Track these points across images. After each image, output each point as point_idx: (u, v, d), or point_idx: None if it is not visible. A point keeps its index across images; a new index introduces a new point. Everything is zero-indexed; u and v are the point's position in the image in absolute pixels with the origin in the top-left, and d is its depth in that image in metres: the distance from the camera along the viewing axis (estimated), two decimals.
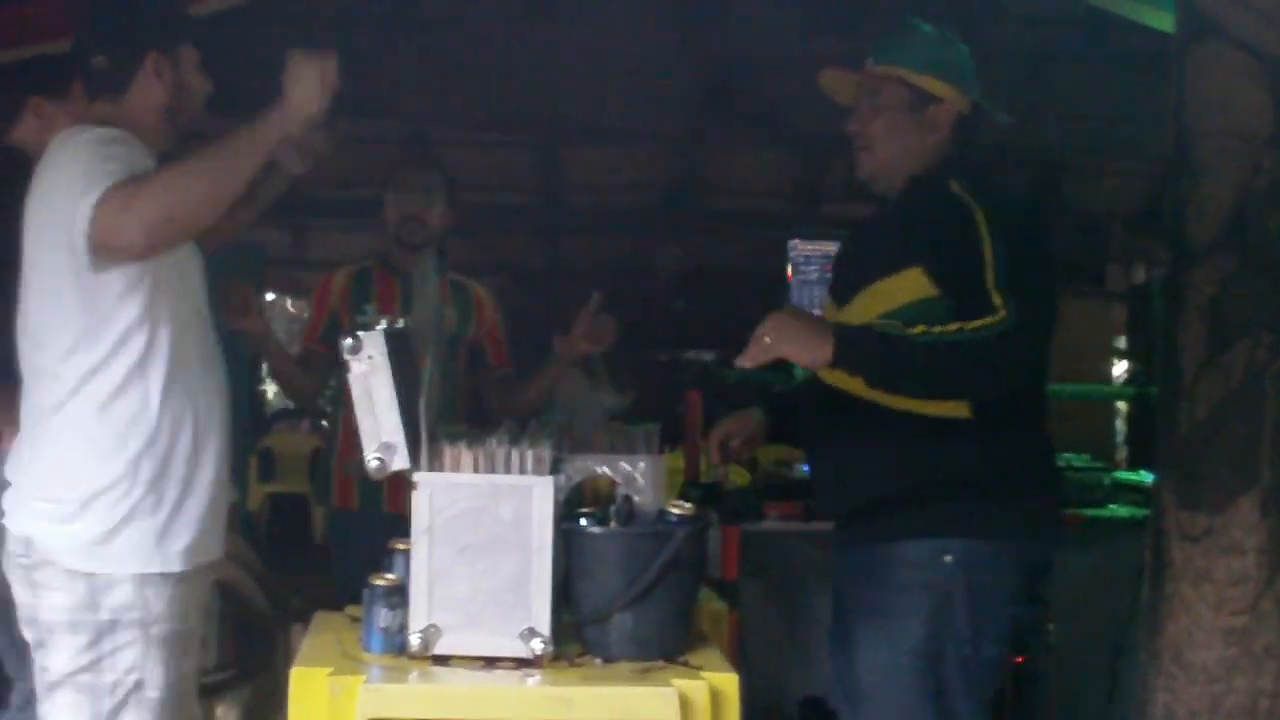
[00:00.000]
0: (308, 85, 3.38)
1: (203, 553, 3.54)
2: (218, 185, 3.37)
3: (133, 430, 3.41)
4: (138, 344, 3.40)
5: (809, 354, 3.50)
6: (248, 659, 4.83)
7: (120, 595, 3.38)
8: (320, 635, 3.71)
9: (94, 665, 3.40)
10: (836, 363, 3.50)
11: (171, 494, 3.45)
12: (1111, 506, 5.92)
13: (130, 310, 3.39)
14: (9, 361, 3.68)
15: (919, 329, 3.49)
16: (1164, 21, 4.16)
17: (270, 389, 15.30)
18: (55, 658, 3.43)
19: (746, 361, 3.52)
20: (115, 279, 3.37)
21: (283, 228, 10.94)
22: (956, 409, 3.65)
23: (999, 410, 3.65)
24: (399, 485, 4.78)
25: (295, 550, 5.61)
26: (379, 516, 5.07)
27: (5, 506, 3.55)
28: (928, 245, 3.70)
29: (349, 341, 3.36)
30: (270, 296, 11.20)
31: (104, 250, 3.31)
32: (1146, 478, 5.95)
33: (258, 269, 8.82)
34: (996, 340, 3.46)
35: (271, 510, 9.26)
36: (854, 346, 3.52)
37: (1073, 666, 4.64)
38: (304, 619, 4.14)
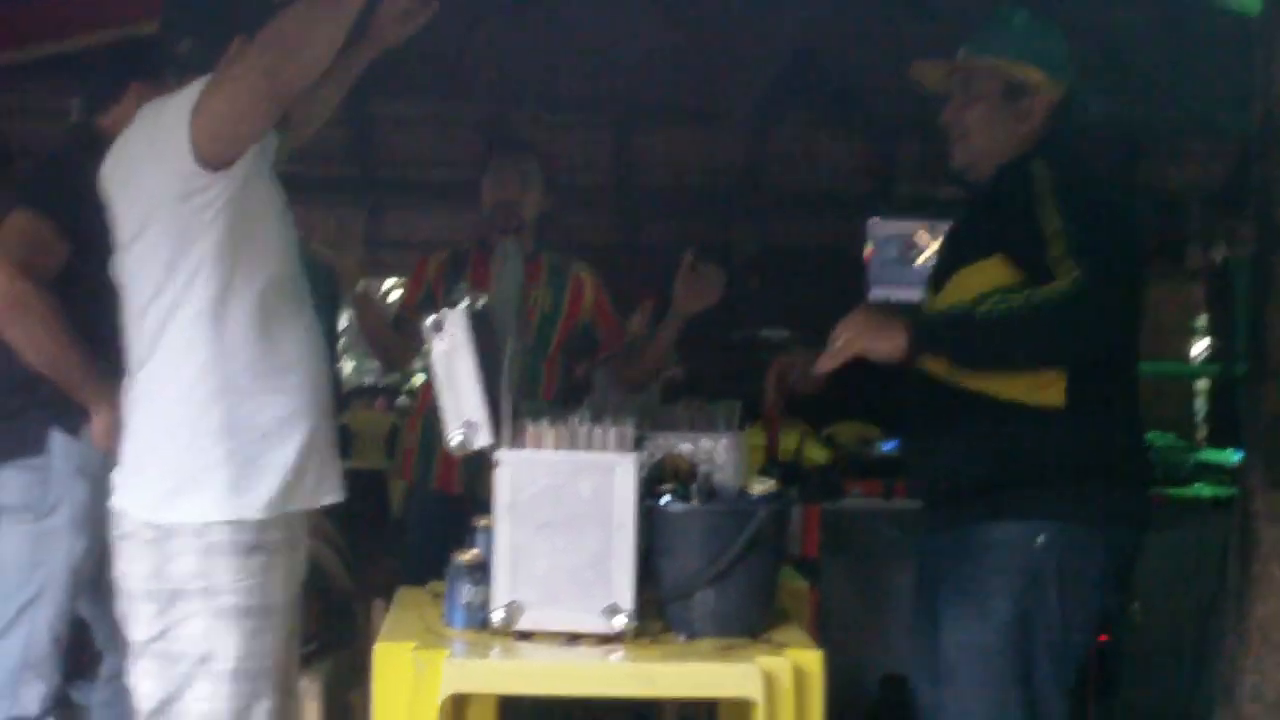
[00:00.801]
0: None
1: (287, 502, 3.51)
2: (320, 27, 3.23)
3: (202, 384, 3.41)
4: (206, 295, 3.39)
5: (885, 347, 3.54)
6: (330, 633, 4.86)
7: (184, 565, 3.39)
8: (403, 610, 3.73)
9: (164, 634, 3.43)
10: (914, 352, 3.52)
11: (248, 447, 3.44)
12: (1196, 486, 5.87)
13: (202, 266, 3.38)
14: (105, 340, 3.72)
15: (989, 302, 3.50)
16: (1250, 5, 4.09)
17: (348, 365, 15.36)
18: (135, 626, 3.48)
19: (826, 365, 3.56)
20: (194, 225, 3.36)
21: (360, 208, 10.98)
22: (1050, 398, 3.64)
23: (1093, 396, 3.64)
24: (450, 462, 4.84)
25: (373, 526, 5.63)
26: (432, 495, 5.14)
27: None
28: (1006, 230, 3.69)
29: (431, 320, 3.37)
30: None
31: (217, 133, 3.28)
32: (1231, 457, 5.91)
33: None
34: (1069, 300, 3.44)
35: (349, 487, 9.29)
36: (927, 333, 3.55)
37: (1157, 646, 4.62)
38: (385, 594, 4.16)
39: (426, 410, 5.08)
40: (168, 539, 3.40)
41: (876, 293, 8.07)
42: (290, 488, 3.51)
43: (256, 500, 3.43)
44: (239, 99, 3.26)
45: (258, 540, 3.44)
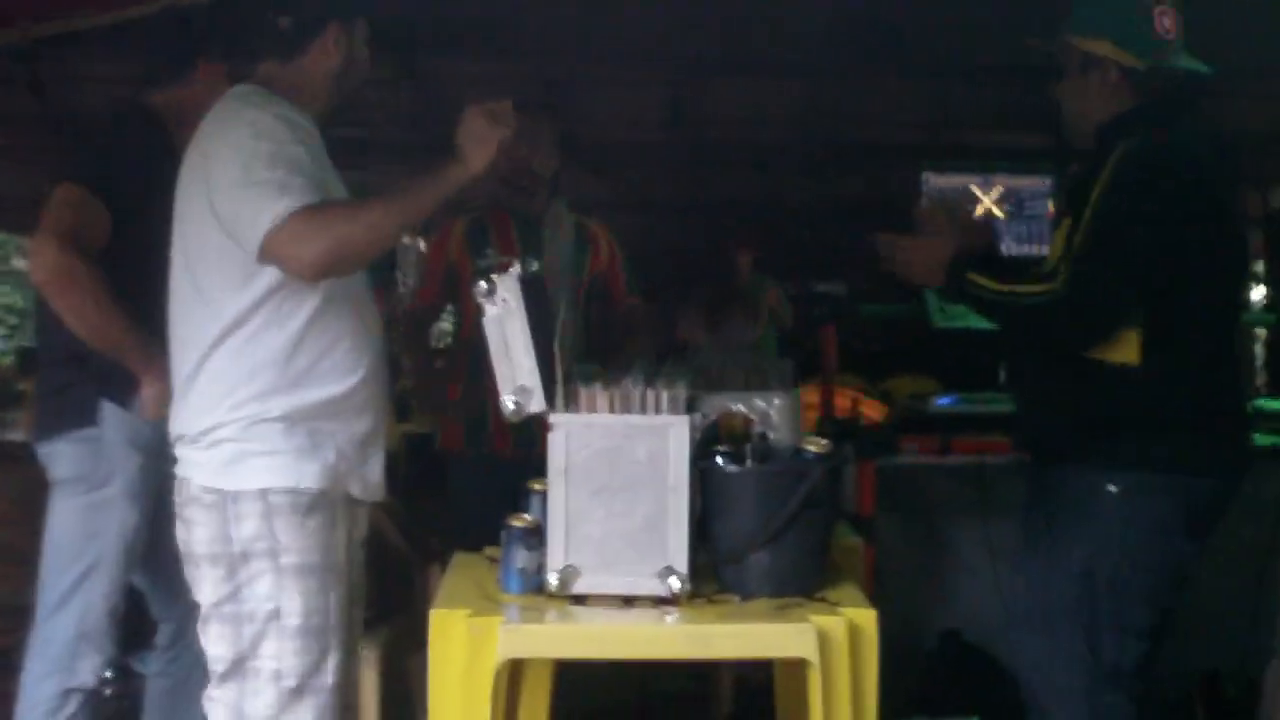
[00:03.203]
0: (483, 141, 3.51)
1: (344, 481, 3.60)
2: (387, 235, 3.50)
3: (268, 372, 3.48)
4: (285, 286, 3.46)
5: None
6: (387, 599, 4.88)
7: (248, 528, 3.46)
8: (459, 576, 3.74)
9: (234, 596, 3.49)
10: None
11: (308, 427, 3.51)
12: (1254, 435, 5.81)
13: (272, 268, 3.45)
14: (151, 313, 3.75)
15: (984, 281, 3.84)
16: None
17: None
18: (203, 590, 3.54)
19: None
20: None
21: (416, 170, 10.99)
22: (1126, 355, 3.77)
23: (1171, 352, 3.78)
24: (503, 426, 4.86)
25: (431, 490, 5.62)
26: (483, 460, 5.16)
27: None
28: (1073, 199, 3.91)
29: (483, 285, 3.38)
30: (404, 240, 11.27)
31: (272, 263, 3.39)
32: None
33: None
34: (1039, 310, 3.75)
35: (408, 450, 9.26)
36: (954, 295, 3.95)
37: (1213, 596, 4.60)
38: (442, 559, 4.16)
39: (467, 378, 5.13)
40: (230, 503, 3.47)
41: None
42: (346, 469, 3.59)
43: (312, 471, 3.50)
44: (291, 266, 3.40)
45: (316, 502, 3.52)
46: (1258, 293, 11.43)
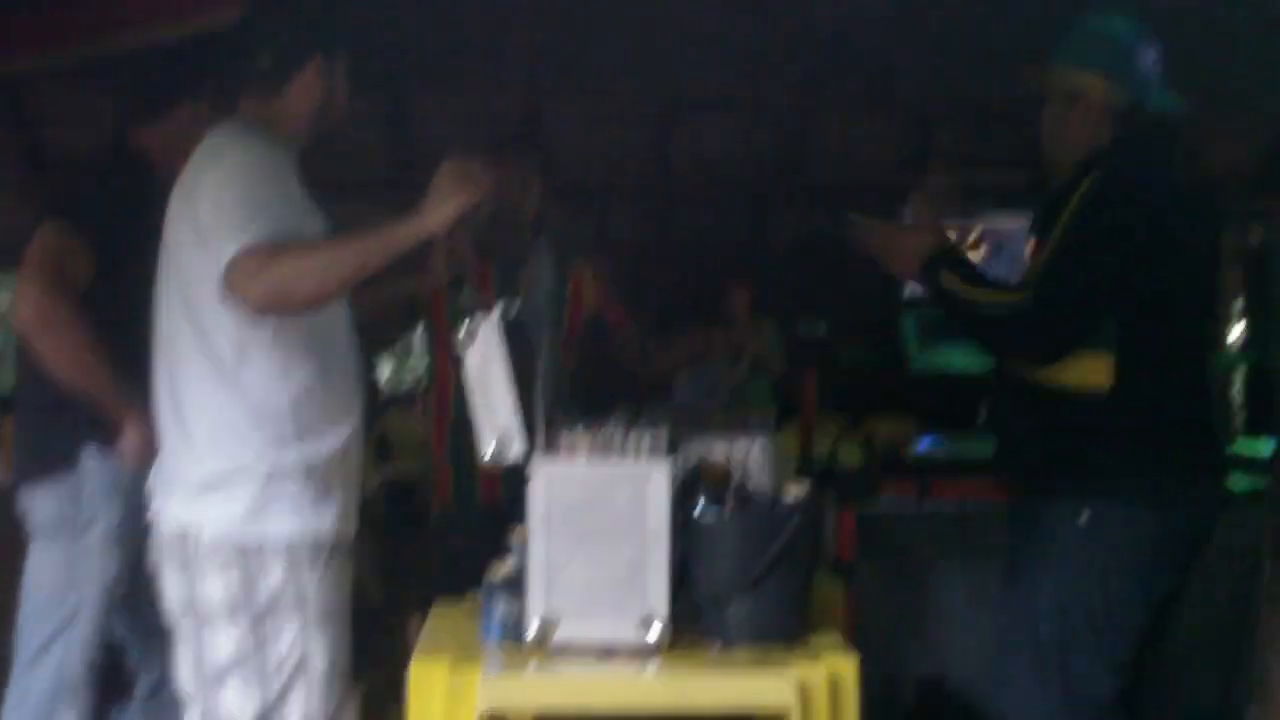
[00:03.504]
0: (446, 200, 3.42)
1: (349, 522, 3.63)
2: (337, 279, 3.39)
3: (276, 408, 3.48)
4: (287, 332, 3.46)
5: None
6: (365, 649, 4.85)
7: (274, 579, 3.46)
8: (439, 625, 3.74)
9: (258, 648, 3.47)
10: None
11: (318, 467, 3.52)
12: (1230, 478, 5.81)
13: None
14: (134, 356, 3.73)
15: (956, 281, 3.87)
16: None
17: (384, 374, 15.33)
18: (218, 645, 3.50)
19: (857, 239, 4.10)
20: None
21: (391, 208, 10.98)
22: (1096, 380, 3.79)
23: (1144, 379, 3.79)
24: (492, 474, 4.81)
25: (411, 536, 5.58)
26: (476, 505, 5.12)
27: (156, 500, 3.62)
28: (1044, 223, 3.95)
29: (465, 329, 3.37)
30: None
31: (230, 301, 3.36)
32: (1266, 448, 5.87)
33: None
34: (1006, 317, 3.81)
35: (386, 495, 9.21)
36: (932, 278, 3.94)
37: (1189, 644, 4.61)
38: (421, 609, 4.15)
39: (451, 425, 5.08)
40: (253, 555, 3.46)
41: (912, 288, 8.00)
42: (347, 509, 3.62)
43: (329, 517, 3.53)
44: (240, 300, 3.35)
45: (333, 548, 3.55)
46: (1236, 330, 11.44)
